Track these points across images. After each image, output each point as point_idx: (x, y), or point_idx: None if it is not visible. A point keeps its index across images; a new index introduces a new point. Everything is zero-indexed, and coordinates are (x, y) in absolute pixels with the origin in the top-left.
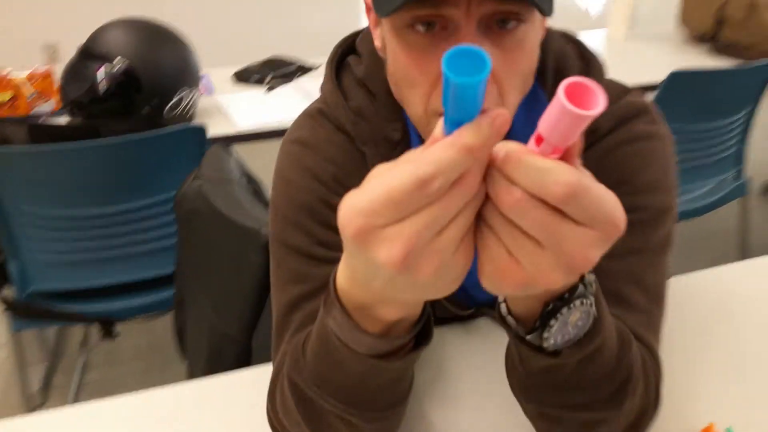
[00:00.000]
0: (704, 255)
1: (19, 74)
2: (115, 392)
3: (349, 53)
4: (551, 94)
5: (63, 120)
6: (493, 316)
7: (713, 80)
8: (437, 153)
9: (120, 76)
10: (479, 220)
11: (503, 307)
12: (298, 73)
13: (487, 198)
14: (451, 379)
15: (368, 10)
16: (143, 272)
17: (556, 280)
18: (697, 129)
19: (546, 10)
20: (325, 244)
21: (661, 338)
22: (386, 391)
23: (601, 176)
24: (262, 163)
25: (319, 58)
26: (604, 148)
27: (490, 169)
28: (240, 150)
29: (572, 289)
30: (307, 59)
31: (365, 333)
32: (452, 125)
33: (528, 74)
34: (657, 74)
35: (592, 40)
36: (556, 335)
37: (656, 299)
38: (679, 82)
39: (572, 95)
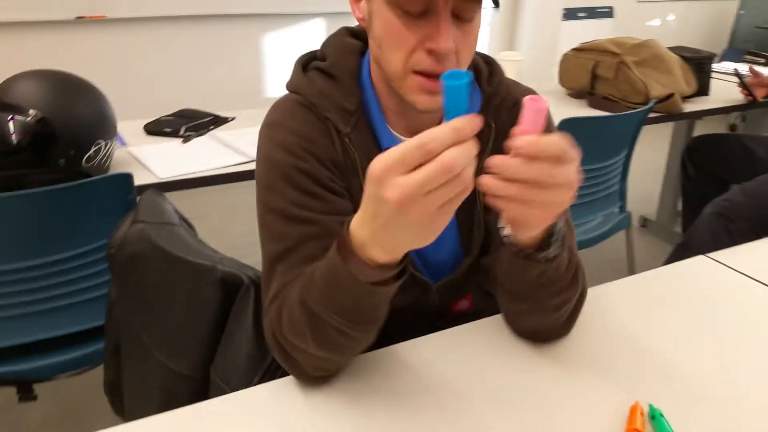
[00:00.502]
0: (602, 278)
1: None
2: None
3: (311, 60)
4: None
5: None
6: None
7: (596, 126)
8: (435, 130)
9: (33, 127)
10: (504, 200)
11: (512, 247)
12: (212, 126)
13: (510, 181)
14: (450, 379)
15: None
16: (69, 326)
17: (562, 205)
18: (588, 168)
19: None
20: (297, 204)
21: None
22: (373, 310)
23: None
24: (191, 212)
25: (230, 111)
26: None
27: (509, 158)
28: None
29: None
30: (219, 112)
31: (366, 265)
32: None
33: (473, 51)
34: None
35: None
36: (555, 248)
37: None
38: (568, 128)
39: (531, 102)
